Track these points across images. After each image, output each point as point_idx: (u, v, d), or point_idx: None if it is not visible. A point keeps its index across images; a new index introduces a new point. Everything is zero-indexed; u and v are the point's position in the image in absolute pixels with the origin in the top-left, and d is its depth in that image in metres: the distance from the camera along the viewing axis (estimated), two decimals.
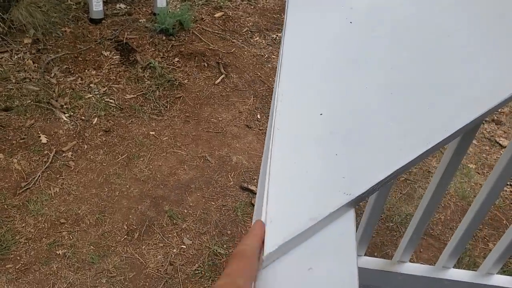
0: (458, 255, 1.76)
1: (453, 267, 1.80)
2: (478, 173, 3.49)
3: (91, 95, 3.46)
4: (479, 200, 1.49)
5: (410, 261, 1.83)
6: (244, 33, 4.38)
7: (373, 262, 1.79)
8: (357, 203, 0.63)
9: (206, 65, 3.92)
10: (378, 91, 0.76)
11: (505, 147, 3.71)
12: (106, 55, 3.80)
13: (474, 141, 3.81)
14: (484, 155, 3.65)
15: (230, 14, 4.57)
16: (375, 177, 0.63)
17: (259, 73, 3.96)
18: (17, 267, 2.45)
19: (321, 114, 0.71)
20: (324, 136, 0.68)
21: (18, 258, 2.49)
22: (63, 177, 2.90)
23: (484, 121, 3.92)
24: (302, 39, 0.86)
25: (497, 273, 1.80)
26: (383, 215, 3.05)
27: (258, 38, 4.35)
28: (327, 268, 0.56)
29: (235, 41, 4.24)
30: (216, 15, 4.48)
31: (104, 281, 2.44)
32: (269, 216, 0.58)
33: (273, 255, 0.56)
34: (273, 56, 4.17)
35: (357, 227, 2.20)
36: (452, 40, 0.88)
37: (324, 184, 0.62)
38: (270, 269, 0.56)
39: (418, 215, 1.56)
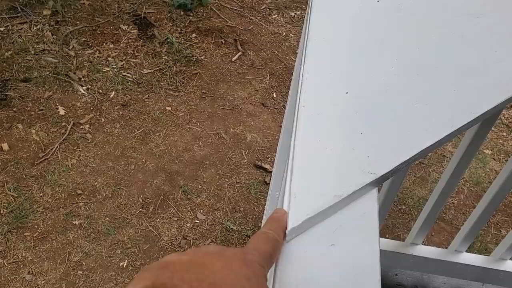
0: (471, 239, 1.77)
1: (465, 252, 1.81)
2: (494, 159, 3.47)
3: (108, 69, 3.47)
4: (495, 186, 1.48)
5: (422, 244, 1.84)
6: (262, 10, 4.33)
7: (386, 243, 1.80)
8: (381, 183, 0.63)
9: (223, 41, 3.91)
10: (404, 72, 0.76)
11: None
12: (124, 29, 3.80)
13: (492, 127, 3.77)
14: (501, 141, 3.62)
15: None
16: (399, 157, 0.64)
17: (276, 52, 3.93)
18: (34, 235, 2.51)
19: (346, 93, 0.71)
20: (350, 114, 0.68)
21: (36, 226, 2.55)
22: (80, 149, 2.94)
23: None
24: (328, 17, 0.85)
25: (510, 259, 1.80)
26: (396, 198, 3.05)
27: (276, 15, 4.31)
28: (350, 245, 0.57)
29: (253, 18, 4.21)
30: None
31: (119, 252, 2.49)
32: (293, 191, 0.59)
33: (296, 230, 0.57)
34: (291, 35, 4.13)
35: None
36: (481, 22, 0.87)
37: (349, 162, 0.62)
38: (292, 244, 0.57)
39: (432, 199, 1.56)
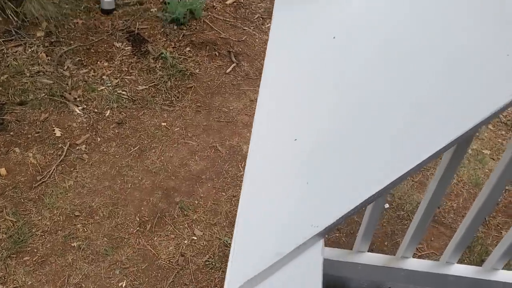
0: (462, 250, 1.76)
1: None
2: (493, 159, 3.44)
3: (103, 87, 3.50)
4: (482, 197, 1.48)
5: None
6: (255, 19, 4.34)
7: (375, 258, 1.80)
8: (327, 234, 0.64)
9: (217, 54, 3.92)
10: (355, 114, 0.77)
11: None
12: (118, 46, 3.83)
13: (490, 126, 3.75)
14: (499, 140, 3.59)
15: (242, 1, 4.54)
16: (345, 207, 0.64)
17: None
18: (34, 259, 2.53)
19: (295, 140, 0.72)
20: (297, 164, 0.69)
21: (35, 250, 2.57)
22: (77, 170, 2.97)
23: None
24: (281, 57, 0.86)
25: (502, 269, 1.79)
26: (394, 204, 3.05)
27: (269, 24, 4.31)
28: None
29: (246, 28, 4.22)
30: (228, 2, 4.45)
31: (118, 272, 2.51)
32: (235, 251, 0.60)
33: None
34: None
35: (359, 225, 2.20)
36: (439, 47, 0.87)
37: (292, 216, 0.63)
38: None
39: (417, 217, 1.56)
